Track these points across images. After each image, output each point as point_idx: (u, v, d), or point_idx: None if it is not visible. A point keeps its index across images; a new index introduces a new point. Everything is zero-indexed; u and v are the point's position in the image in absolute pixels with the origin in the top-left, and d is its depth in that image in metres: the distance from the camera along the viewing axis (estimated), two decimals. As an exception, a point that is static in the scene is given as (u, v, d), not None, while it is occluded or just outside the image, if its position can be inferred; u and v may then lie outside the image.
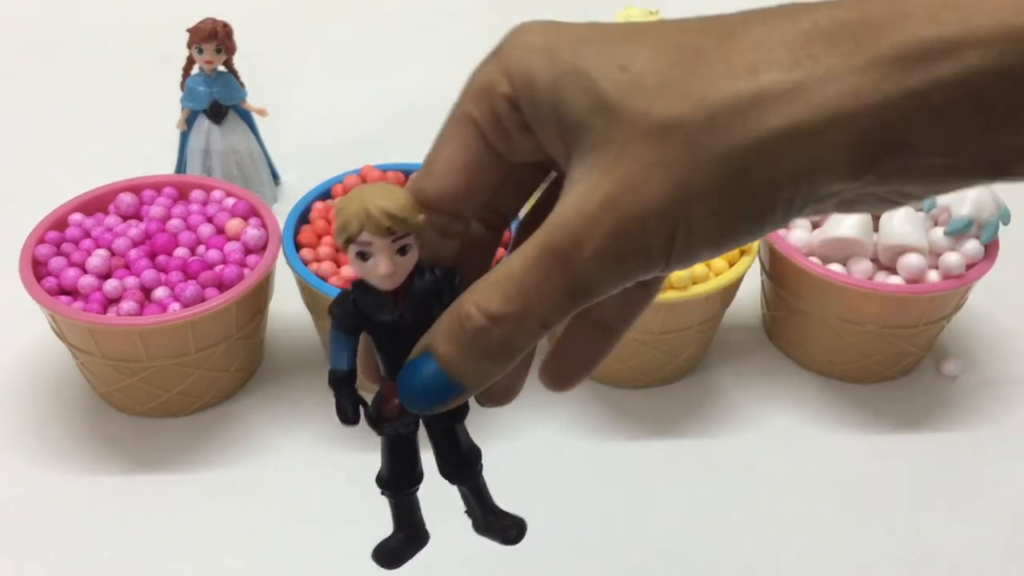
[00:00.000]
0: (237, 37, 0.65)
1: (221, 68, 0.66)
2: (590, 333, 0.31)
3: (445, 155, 0.28)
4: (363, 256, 0.27)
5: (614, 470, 0.53)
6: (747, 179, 0.23)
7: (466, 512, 0.34)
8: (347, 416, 0.31)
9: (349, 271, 0.53)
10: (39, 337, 0.58)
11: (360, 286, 0.28)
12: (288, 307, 0.61)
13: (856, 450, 0.55)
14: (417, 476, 0.33)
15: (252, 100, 0.67)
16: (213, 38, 0.63)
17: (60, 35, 0.91)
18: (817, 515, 0.51)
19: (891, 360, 0.58)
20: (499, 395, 0.32)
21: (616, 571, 0.49)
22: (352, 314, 0.29)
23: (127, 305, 0.51)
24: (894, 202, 0.25)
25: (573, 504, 0.52)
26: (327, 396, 0.60)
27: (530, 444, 0.54)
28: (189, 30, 0.63)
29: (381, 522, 0.51)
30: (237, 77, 0.67)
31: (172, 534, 0.50)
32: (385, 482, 0.33)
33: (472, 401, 0.30)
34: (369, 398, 0.31)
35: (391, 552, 0.34)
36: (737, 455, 0.54)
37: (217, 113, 0.66)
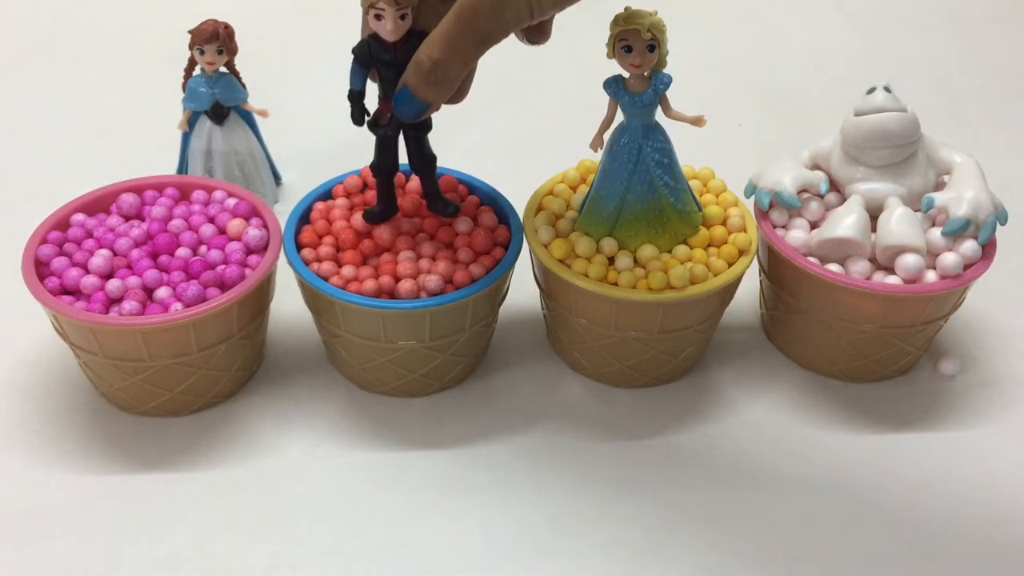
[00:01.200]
0: (238, 38, 0.65)
1: (223, 69, 0.66)
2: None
3: None
4: (378, 17, 0.46)
5: (612, 470, 0.54)
6: None
7: (423, 195, 0.55)
8: (356, 120, 0.50)
9: (351, 270, 0.53)
10: (41, 337, 0.58)
11: (374, 38, 0.48)
12: (289, 307, 0.61)
13: (854, 449, 0.55)
14: (395, 167, 0.53)
15: (253, 101, 0.68)
16: (215, 39, 0.63)
17: (61, 36, 0.91)
18: (815, 514, 0.52)
19: (889, 360, 0.58)
20: (454, 101, 0.50)
21: (615, 570, 0.49)
22: (367, 53, 0.48)
23: (129, 305, 0.51)
24: None
25: (572, 503, 0.52)
26: (328, 397, 0.61)
27: (529, 443, 0.55)
28: (191, 31, 0.64)
29: (380, 522, 0.51)
30: (239, 78, 0.67)
31: (172, 534, 0.50)
32: (376, 168, 0.53)
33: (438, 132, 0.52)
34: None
35: (375, 214, 0.55)
36: (735, 454, 0.55)
37: (219, 114, 0.66)
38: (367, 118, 0.50)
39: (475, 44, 0.44)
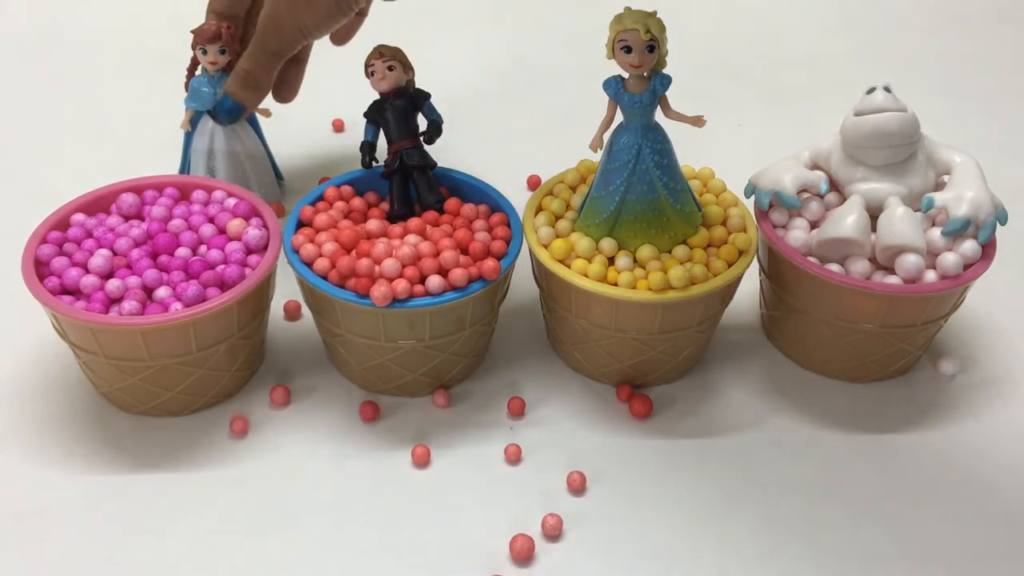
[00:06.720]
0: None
1: (225, 69, 0.66)
2: (290, 67, 0.65)
3: None
4: (372, 74, 0.56)
5: (613, 470, 0.54)
6: None
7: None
8: (365, 165, 0.59)
9: (349, 270, 0.53)
10: (41, 337, 0.58)
11: (378, 101, 0.58)
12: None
13: (853, 449, 0.55)
14: (410, 204, 0.58)
15: (253, 101, 0.68)
16: (217, 39, 0.63)
17: (63, 35, 0.91)
18: (815, 514, 0.52)
19: (889, 359, 0.58)
20: (285, 99, 0.68)
21: (614, 571, 0.49)
22: (373, 111, 0.58)
23: (129, 305, 0.51)
24: None
25: (572, 503, 0.52)
26: (328, 397, 0.60)
27: (529, 443, 0.55)
28: (193, 31, 0.64)
29: (380, 522, 0.51)
30: (239, 78, 0.67)
31: (172, 534, 0.50)
32: (392, 208, 0.58)
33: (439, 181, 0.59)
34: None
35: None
36: (736, 455, 0.55)
37: (220, 114, 0.66)
38: (375, 164, 0.59)
39: (270, 57, 0.61)
